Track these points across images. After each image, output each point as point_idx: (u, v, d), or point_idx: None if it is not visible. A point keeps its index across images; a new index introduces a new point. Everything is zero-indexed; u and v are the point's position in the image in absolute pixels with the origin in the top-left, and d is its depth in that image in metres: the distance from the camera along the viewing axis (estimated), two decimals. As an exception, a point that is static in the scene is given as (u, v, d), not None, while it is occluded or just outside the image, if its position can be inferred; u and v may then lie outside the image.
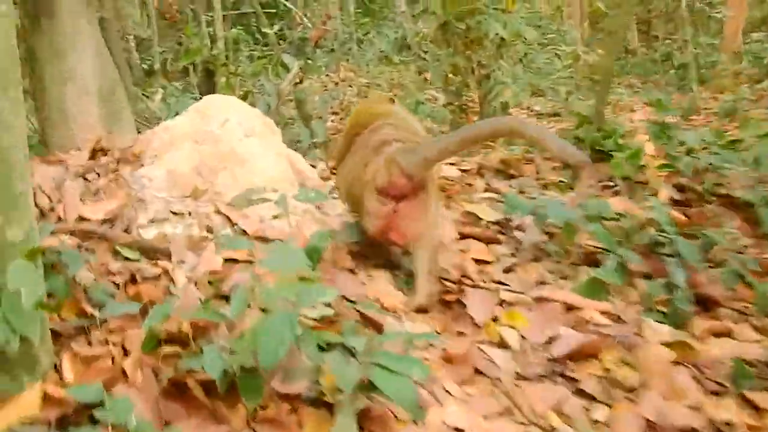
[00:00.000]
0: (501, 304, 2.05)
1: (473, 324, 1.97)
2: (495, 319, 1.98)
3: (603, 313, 1.99)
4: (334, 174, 2.70)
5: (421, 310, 2.05)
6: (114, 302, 1.85)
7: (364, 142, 2.30)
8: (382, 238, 2.16)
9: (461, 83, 5.91)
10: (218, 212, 2.30)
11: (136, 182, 2.40)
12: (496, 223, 2.55)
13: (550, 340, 1.85)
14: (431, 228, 2.12)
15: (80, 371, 1.61)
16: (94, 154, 2.75)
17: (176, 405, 1.54)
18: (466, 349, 1.81)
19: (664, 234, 2.23)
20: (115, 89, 3.31)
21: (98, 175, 2.56)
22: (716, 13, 11.21)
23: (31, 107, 3.40)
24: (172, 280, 2.02)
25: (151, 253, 2.14)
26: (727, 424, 1.56)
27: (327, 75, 9.39)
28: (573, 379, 1.72)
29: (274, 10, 10.14)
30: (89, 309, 1.79)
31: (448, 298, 2.09)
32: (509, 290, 2.11)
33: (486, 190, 2.95)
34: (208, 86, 7.17)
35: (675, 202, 2.81)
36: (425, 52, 8.50)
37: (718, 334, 1.96)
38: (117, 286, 1.97)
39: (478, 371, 1.76)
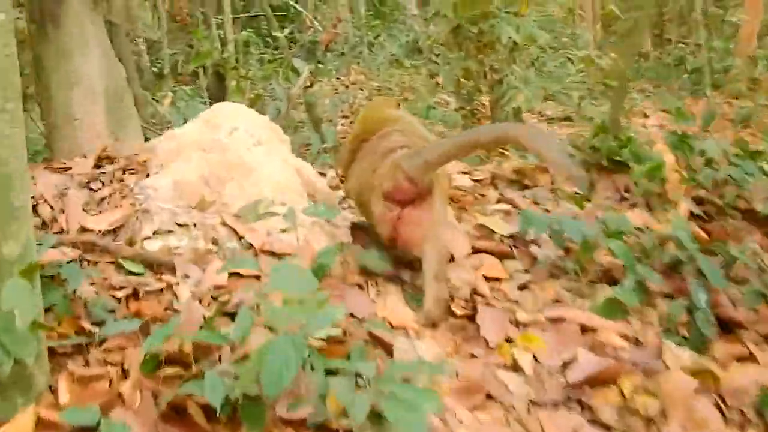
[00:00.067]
0: (515, 324, 1.98)
1: (486, 345, 1.90)
2: (509, 340, 1.91)
3: (621, 335, 1.92)
4: (343, 181, 2.65)
5: (432, 323, 1.99)
6: (114, 320, 1.79)
7: (372, 148, 2.30)
8: (390, 243, 2.16)
9: (473, 87, 5.84)
10: (224, 224, 2.24)
11: (141, 192, 2.34)
12: (510, 236, 2.47)
13: (566, 365, 1.78)
14: (437, 234, 2.09)
15: (76, 393, 1.55)
16: (99, 162, 2.70)
17: (175, 430, 1.48)
18: (478, 373, 1.75)
19: (685, 251, 2.15)
20: (122, 95, 3.26)
21: (103, 184, 2.51)
22: (731, 17, 11.09)
23: (37, 113, 3.36)
24: (175, 295, 1.96)
25: (154, 266, 2.08)
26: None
27: (337, 78, 9.32)
28: (589, 407, 1.65)
29: (284, 13, 10.09)
30: (88, 326, 1.74)
31: (460, 316, 2.02)
32: (523, 309, 2.04)
33: (499, 201, 2.87)
34: (218, 90, 7.14)
35: (694, 216, 2.73)
36: (437, 56, 8.43)
37: (741, 359, 1.88)
38: (118, 300, 1.92)
39: (490, 396, 1.69)
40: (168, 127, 5.63)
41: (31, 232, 1.55)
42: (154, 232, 2.18)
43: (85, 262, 2.07)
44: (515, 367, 1.81)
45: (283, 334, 1.43)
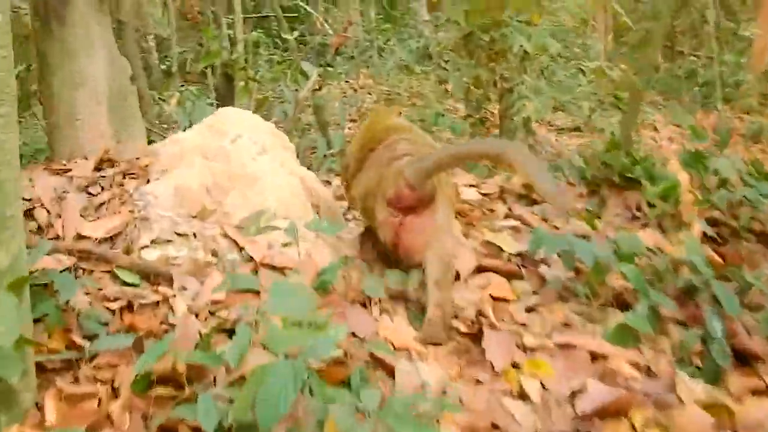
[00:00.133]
0: (522, 349, 1.91)
1: (491, 370, 1.83)
2: (515, 366, 1.84)
3: (632, 364, 1.84)
4: (347, 189, 2.61)
5: (432, 335, 1.93)
6: (107, 333, 1.73)
7: (378, 157, 2.30)
8: (393, 250, 2.16)
9: (482, 95, 5.77)
10: (225, 235, 2.17)
11: (141, 198, 2.28)
12: (518, 255, 2.40)
13: (575, 394, 1.71)
14: (440, 241, 2.08)
15: (64, 411, 1.49)
16: (100, 165, 2.63)
17: (166, 455, 1.42)
18: (483, 400, 1.68)
19: (700, 276, 2.08)
20: (126, 95, 3.20)
21: (102, 188, 2.44)
22: (744, 31, 10.99)
23: (40, 111, 3.31)
24: (171, 308, 1.89)
25: (151, 276, 2.02)
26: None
27: (346, 81, 9.26)
28: (599, 441, 1.58)
29: (295, 15, 10.04)
30: (79, 340, 1.67)
31: (464, 337, 1.95)
32: (531, 333, 1.96)
33: (507, 217, 2.80)
34: (227, 90, 7.08)
35: (707, 238, 2.65)
36: (446, 62, 8.37)
37: (756, 392, 1.81)
38: (112, 312, 1.85)
39: (495, 426, 1.62)
40: (174, 128, 5.60)
41: (23, 242, 1.49)
42: (153, 241, 2.11)
43: (81, 271, 2.01)
44: (522, 395, 1.74)
45: (282, 357, 1.37)
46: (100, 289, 1.91)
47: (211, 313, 1.87)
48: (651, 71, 4.40)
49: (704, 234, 2.66)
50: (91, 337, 1.71)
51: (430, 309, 1.98)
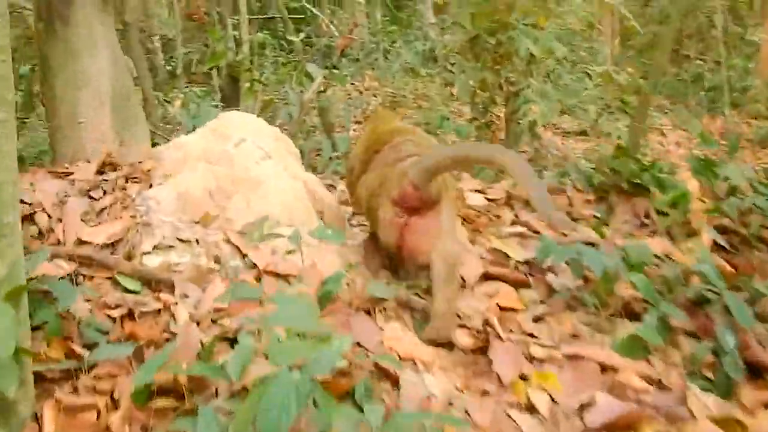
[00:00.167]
0: (530, 360, 1.87)
1: (498, 381, 1.79)
2: (523, 377, 1.80)
3: (642, 376, 1.81)
4: (351, 192, 2.59)
5: (440, 334, 1.93)
6: (107, 342, 1.70)
7: (383, 158, 2.31)
8: (397, 251, 2.18)
9: (488, 99, 5.73)
10: (228, 241, 2.14)
11: (143, 203, 2.25)
12: (526, 262, 2.36)
13: (584, 407, 1.68)
14: (445, 242, 2.06)
15: (62, 423, 1.46)
16: (102, 168, 2.61)
17: (166, 468, 1.38)
18: (490, 412, 1.64)
19: (711, 287, 2.04)
20: (129, 97, 3.18)
21: (104, 192, 2.41)
22: (751, 36, 10.93)
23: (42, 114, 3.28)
24: (173, 316, 1.86)
25: (153, 283, 1.99)
26: None
27: (352, 83, 9.23)
28: (609, 456, 1.54)
29: (301, 16, 10.01)
30: (79, 349, 1.64)
31: (471, 349, 1.91)
32: (539, 344, 1.93)
33: (514, 223, 2.76)
34: (232, 91, 7.07)
35: (717, 246, 2.61)
36: (452, 64, 8.33)
37: (769, 406, 1.77)
38: (113, 320, 1.82)
39: (503, 440, 1.58)
40: (178, 130, 5.57)
41: (20, 250, 1.46)
42: (155, 247, 2.08)
43: (81, 277, 1.98)
44: (530, 408, 1.70)
45: (285, 370, 1.33)
46: (101, 297, 1.87)
47: (213, 321, 1.84)
48: (659, 75, 4.34)
49: (714, 242, 2.62)
50: (91, 346, 1.68)
51: (437, 303, 1.97)
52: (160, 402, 1.49)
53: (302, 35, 8.48)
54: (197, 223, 2.19)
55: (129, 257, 2.07)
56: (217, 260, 2.09)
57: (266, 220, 2.17)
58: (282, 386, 1.29)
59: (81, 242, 2.11)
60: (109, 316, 1.81)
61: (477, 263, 2.33)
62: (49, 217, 2.23)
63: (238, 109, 5.84)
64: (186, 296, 1.93)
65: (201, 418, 1.33)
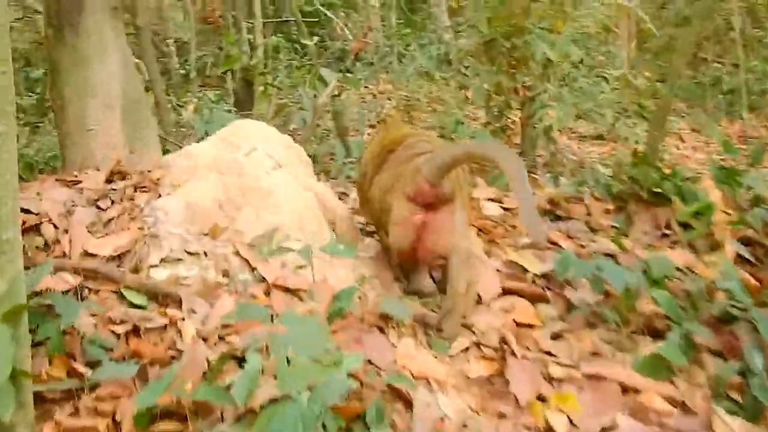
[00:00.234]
0: (548, 380, 1.80)
1: (515, 402, 1.73)
2: (541, 398, 1.73)
3: (666, 398, 1.73)
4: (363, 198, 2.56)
5: (453, 319, 1.98)
6: (110, 359, 1.65)
7: (398, 157, 2.31)
8: (409, 253, 2.16)
9: (503, 103, 5.66)
10: (237, 254, 2.08)
11: (151, 214, 2.20)
12: (543, 276, 2.29)
13: (605, 431, 1.61)
14: (461, 240, 2.09)
15: (62, 447, 1.41)
16: (111, 177, 2.56)
17: (168, 496, 1.33)
18: (507, 437, 1.58)
19: (736, 303, 1.96)
20: (140, 104, 3.13)
21: (112, 202, 2.36)
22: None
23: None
24: (179, 332, 1.81)
25: (159, 297, 1.94)
26: None
27: (366, 87, 9.17)
28: (631, 485, 1.47)
29: (315, 20, 9.97)
30: (81, 368, 1.59)
31: (487, 369, 1.85)
32: (558, 362, 1.86)
33: (531, 234, 2.69)
34: (246, 95, 7.03)
35: (741, 259, 2.53)
36: (466, 68, 8.26)
37: (799, 430, 1.69)
38: (117, 336, 1.77)
39: (520, 466, 1.52)
40: (191, 134, 5.54)
41: (20, 266, 1.41)
42: (162, 260, 2.03)
43: (87, 290, 1.93)
44: (548, 431, 1.63)
45: (294, 395, 1.27)
46: (106, 312, 1.82)
47: (221, 338, 1.78)
48: (676, 78, 4.25)
49: (738, 255, 2.54)
50: (94, 364, 1.63)
51: (458, 284, 2.01)
52: (163, 425, 1.44)
53: (316, 39, 8.44)
54: (206, 234, 2.14)
55: (136, 270, 2.02)
56: (225, 274, 2.04)
57: (276, 232, 2.12)
58: (290, 411, 1.24)
59: (87, 254, 2.07)
60: (113, 332, 1.77)
61: (495, 279, 2.26)
62: (56, 227, 2.19)
63: (251, 113, 5.82)
64: (193, 311, 1.87)
65: (205, 444, 1.28)
